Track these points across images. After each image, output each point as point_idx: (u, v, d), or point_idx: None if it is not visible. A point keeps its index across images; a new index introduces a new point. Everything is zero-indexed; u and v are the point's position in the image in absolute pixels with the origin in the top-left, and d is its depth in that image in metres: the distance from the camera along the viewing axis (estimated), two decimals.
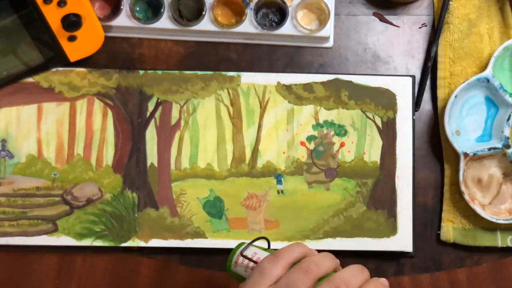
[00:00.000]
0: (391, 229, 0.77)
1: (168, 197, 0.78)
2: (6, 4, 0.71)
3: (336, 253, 0.78)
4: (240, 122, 0.79)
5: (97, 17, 0.76)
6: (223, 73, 0.79)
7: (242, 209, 0.78)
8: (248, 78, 0.79)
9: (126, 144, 0.79)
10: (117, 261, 0.79)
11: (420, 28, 0.82)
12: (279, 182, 0.78)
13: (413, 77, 0.79)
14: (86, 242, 0.78)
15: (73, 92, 0.79)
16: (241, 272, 0.61)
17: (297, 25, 0.78)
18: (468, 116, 0.79)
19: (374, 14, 0.82)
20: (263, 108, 0.79)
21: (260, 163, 0.78)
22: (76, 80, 0.79)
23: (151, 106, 0.79)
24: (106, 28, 0.79)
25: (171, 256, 0.79)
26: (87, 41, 0.76)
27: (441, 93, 0.80)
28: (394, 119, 0.79)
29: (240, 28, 0.79)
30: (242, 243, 0.63)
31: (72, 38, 0.75)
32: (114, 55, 0.80)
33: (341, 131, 0.79)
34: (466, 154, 0.76)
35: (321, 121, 0.79)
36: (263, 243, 0.63)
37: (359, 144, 0.78)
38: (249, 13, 0.78)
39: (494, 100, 0.79)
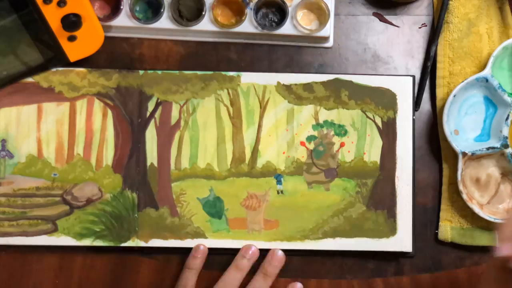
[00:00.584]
0: (391, 229, 0.78)
1: (168, 197, 0.78)
2: (6, 4, 0.71)
3: (336, 253, 0.79)
4: (240, 122, 0.79)
5: (97, 17, 0.76)
6: (223, 73, 0.79)
7: (242, 209, 0.78)
8: (248, 78, 0.79)
9: (126, 144, 0.79)
10: (117, 261, 0.79)
11: (420, 28, 0.82)
12: (279, 182, 0.78)
13: (413, 77, 0.79)
14: (86, 242, 0.78)
15: (73, 92, 0.78)
16: None
17: (297, 25, 0.78)
18: (466, 116, 0.79)
19: (374, 14, 0.82)
20: (263, 108, 0.79)
21: (260, 163, 0.79)
22: (76, 80, 0.78)
23: (151, 106, 0.79)
24: (106, 28, 0.79)
25: (171, 256, 0.79)
26: (87, 41, 0.76)
27: (440, 92, 0.80)
28: (394, 119, 0.79)
29: (240, 28, 0.79)
30: None
31: (72, 38, 0.75)
32: (114, 55, 0.80)
33: (341, 131, 0.79)
34: (464, 154, 0.76)
35: (321, 121, 0.79)
36: None
37: (359, 144, 0.79)
38: (249, 13, 0.78)
39: (492, 100, 0.79)
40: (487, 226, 0.78)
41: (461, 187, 0.77)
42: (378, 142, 0.79)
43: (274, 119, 0.79)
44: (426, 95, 0.81)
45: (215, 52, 0.81)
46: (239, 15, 0.79)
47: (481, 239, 0.78)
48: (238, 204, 0.78)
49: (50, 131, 0.78)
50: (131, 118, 0.79)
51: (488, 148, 0.77)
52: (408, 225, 0.78)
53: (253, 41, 0.81)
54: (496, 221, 0.76)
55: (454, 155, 0.78)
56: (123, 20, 0.79)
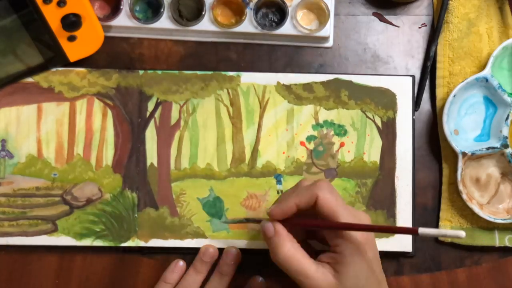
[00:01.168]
0: None
1: (168, 197, 0.78)
2: (6, 4, 0.71)
3: None
4: (240, 122, 0.79)
5: (97, 17, 0.76)
6: (223, 73, 0.79)
7: (242, 209, 0.78)
8: (248, 78, 0.79)
9: (125, 144, 0.79)
10: (117, 261, 0.79)
11: (419, 28, 0.82)
12: (278, 182, 0.78)
13: (413, 77, 0.79)
14: (86, 242, 0.78)
15: (73, 92, 0.78)
16: None
17: (297, 25, 0.78)
18: (466, 116, 0.79)
19: (374, 14, 0.82)
20: (262, 108, 0.79)
21: (259, 163, 0.79)
22: (76, 80, 0.78)
23: (150, 106, 0.79)
24: (106, 28, 0.79)
25: (171, 256, 0.79)
26: (87, 41, 0.76)
27: (440, 92, 0.80)
28: (394, 119, 0.79)
29: (240, 28, 0.79)
30: None
31: (72, 38, 0.75)
32: (114, 55, 0.80)
33: (341, 131, 0.79)
34: (464, 154, 0.76)
35: (321, 121, 0.79)
36: None
37: (359, 144, 0.79)
38: (249, 13, 0.78)
39: (492, 100, 0.79)
40: (487, 226, 0.78)
41: (461, 187, 0.77)
42: (378, 142, 0.79)
43: (274, 119, 0.79)
44: (426, 95, 0.81)
45: (215, 52, 0.81)
46: (239, 15, 0.79)
47: (480, 239, 0.78)
48: (238, 204, 0.78)
49: (50, 131, 0.78)
50: (131, 118, 0.79)
51: (488, 148, 0.77)
52: (408, 225, 0.77)
53: (253, 41, 0.81)
54: (496, 221, 0.76)
55: (454, 155, 0.78)
56: (123, 20, 0.79)
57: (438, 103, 0.80)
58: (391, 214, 0.78)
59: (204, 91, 0.79)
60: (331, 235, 0.65)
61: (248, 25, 0.79)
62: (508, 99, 0.77)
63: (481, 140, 0.79)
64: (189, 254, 0.78)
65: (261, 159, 0.79)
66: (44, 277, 0.79)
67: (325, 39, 0.80)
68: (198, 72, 0.79)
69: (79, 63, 0.78)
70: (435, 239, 0.79)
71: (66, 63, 0.77)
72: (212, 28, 0.79)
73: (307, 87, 0.79)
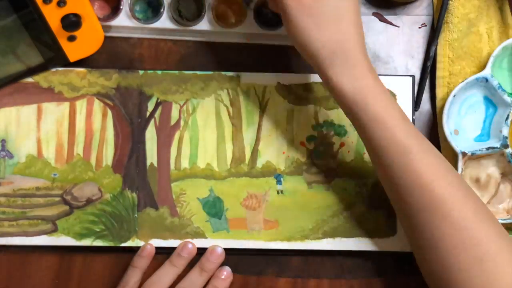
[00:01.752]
0: (391, 229, 0.78)
1: (168, 197, 0.78)
2: (6, 4, 0.71)
3: (336, 253, 0.79)
4: (240, 122, 0.79)
5: (97, 17, 0.76)
6: (223, 73, 0.79)
7: (241, 209, 0.78)
8: (248, 78, 0.79)
9: (125, 144, 0.79)
10: (117, 261, 0.79)
11: (419, 28, 0.82)
12: (278, 182, 0.78)
13: (413, 77, 0.79)
14: (86, 242, 0.77)
15: (73, 92, 0.78)
16: None
17: None
18: (466, 116, 0.79)
19: (374, 14, 0.82)
20: (262, 108, 0.79)
21: (259, 163, 0.79)
22: (76, 80, 0.78)
23: (150, 106, 0.79)
24: (106, 28, 0.79)
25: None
26: (86, 41, 0.76)
27: (439, 92, 0.80)
28: None
29: (240, 28, 0.79)
30: None
31: (71, 38, 0.75)
32: (114, 55, 0.80)
33: (341, 131, 0.79)
34: (464, 154, 0.76)
35: (321, 121, 0.79)
36: None
37: (359, 144, 0.79)
38: (249, 13, 0.78)
39: (492, 100, 0.79)
40: None
41: None
42: None
43: (274, 119, 0.79)
44: (426, 95, 0.81)
45: (215, 52, 0.81)
46: (239, 15, 0.79)
47: None
48: (238, 204, 0.78)
49: (50, 131, 0.78)
50: (131, 118, 0.79)
51: (488, 148, 0.77)
52: None
53: (253, 41, 0.81)
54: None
55: (454, 155, 0.78)
56: (123, 20, 0.79)
57: (438, 103, 0.80)
58: (391, 214, 0.78)
59: (204, 91, 0.79)
60: None
61: (248, 25, 0.79)
62: (508, 99, 0.77)
63: (481, 140, 0.79)
64: None
65: (261, 159, 0.78)
66: (44, 277, 0.78)
67: None
68: (198, 72, 0.79)
69: (79, 63, 0.78)
70: None
71: (66, 63, 0.77)
72: (212, 28, 0.79)
73: (307, 87, 0.79)
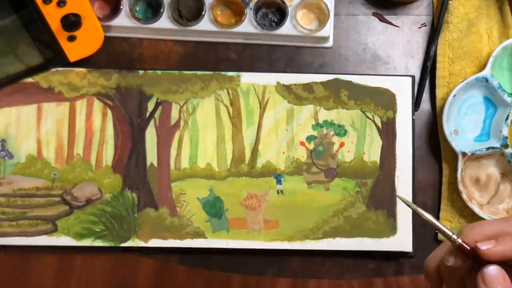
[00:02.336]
0: (391, 229, 0.78)
1: (168, 197, 0.78)
2: (6, 4, 0.71)
3: (336, 253, 0.79)
4: (240, 122, 0.79)
5: (97, 17, 0.76)
6: (223, 73, 0.79)
7: (241, 209, 0.78)
8: (247, 78, 0.79)
9: (125, 144, 0.79)
10: (116, 261, 0.79)
11: (419, 28, 0.82)
12: (278, 182, 0.78)
13: (413, 77, 0.79)
14: (86, 242, 0.78)
15: (73, 92, 0.78)
16: None
17: (297, 25, 0.78)
18: (466, 116, 0.79)
19: (374, 14, 0.82)
20: (262, 108, 0.79)
21: (259, 163, 0.79)
22: (76, 80, 0.78)
23: (150, 106, 0.79)
24: (106, 28, 0.79)
25: (170, 256, 0.79)
26: (86, 41, 0.76)
27: (440, 92, 0.80)
28: (393, 119, 0.79)
29: (240, 28, 0.79)
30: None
31: (71, 38, 0.75)
32: (114, 55, 0.80)
33: (341, 131, 0.79)
34: (464, 154, 0.76)
35: (320, 121, 0.79)
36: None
37: (359, 144, 0.79)
38: (249, 13, 0.78)
39: (492, 100, 0.79)
40: None
41: (461, 187, 0.77)
42: (377, 142, 0.79)
43: (274, 119, 0.79)
44: (426, 95, 0.81)
45: (215, 52, 0.81)
46: (239, 15, 0.79)
47: None
48: (238, 204, 0.78)
49: (50, 131, 0.78)
50: (131, 118, 0.79)
51: (488, 148, 0.77)
52: (408, 225, 0.78)
53: (253, 41, 0.81)
54: None
55: (454, 155, 0.78)
56: (123, 20, 0.79)
57: (438, 103, 0.80)
58: (391, 214, 0.78)
59: (204, 91, 0.79)
60: None
61: (248, 25, 0.79)
62: (508, 99, 0.77)
63: (481, 140, 0.79)
64: (189, 254, 0.78)
65: (261, 159, 0.79)
66: (44, 277, 0.79)
67: (325, 39, 0.80)
68: (198, 72, 0.79)
69: (79, 63, 0.78)
70: (435, 239, 0.79)
71: (66, 63, 0.77)
72: (212, 28, 0.79)
73: (307, 87, 0.79)
